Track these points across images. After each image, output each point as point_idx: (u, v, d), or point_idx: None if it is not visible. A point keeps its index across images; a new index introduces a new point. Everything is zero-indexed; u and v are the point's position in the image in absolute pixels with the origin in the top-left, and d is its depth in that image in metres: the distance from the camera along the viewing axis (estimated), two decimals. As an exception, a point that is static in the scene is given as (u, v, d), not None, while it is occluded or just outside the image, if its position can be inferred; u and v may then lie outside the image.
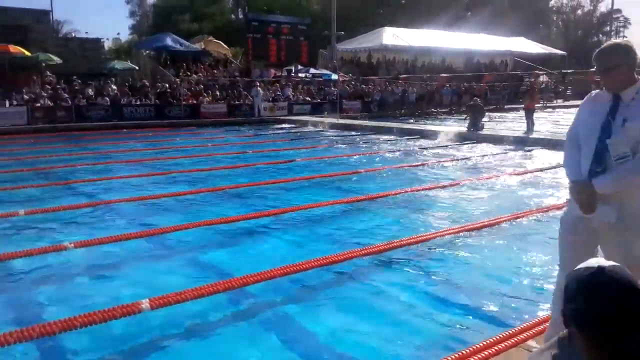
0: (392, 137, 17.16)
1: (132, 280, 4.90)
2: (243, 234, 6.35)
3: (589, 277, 1.25)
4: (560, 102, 34.67)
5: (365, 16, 44.60)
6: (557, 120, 22.73)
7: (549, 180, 9.50)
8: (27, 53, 22.88)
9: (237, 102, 24.58)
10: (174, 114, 22.41)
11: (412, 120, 23.78)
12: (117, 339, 3.75)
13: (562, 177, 9.75)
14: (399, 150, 13.95)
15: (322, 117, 24.39)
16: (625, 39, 2.57)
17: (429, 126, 20.02)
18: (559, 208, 7.12)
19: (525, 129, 16.43)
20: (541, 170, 10.55)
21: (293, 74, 30.22)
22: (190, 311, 4.12)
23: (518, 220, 6.60)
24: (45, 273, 5.00)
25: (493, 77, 34.19)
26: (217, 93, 25.03)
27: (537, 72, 33.68)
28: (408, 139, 16.68)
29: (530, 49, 40.72)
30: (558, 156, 12.16)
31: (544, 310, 3.96)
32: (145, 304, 3.83)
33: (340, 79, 27.41)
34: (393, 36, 34.52)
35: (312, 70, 31.51)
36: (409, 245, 5.49)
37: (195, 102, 23.40)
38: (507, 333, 3.47)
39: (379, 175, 10.17)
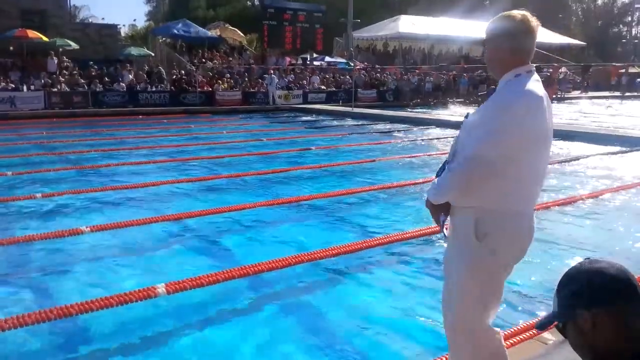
0: (407, 127, 17.04)
1: (148, 265, 4.93)
2: (259, 221, 6.34)
3: (592, 262, 1.35)
4: (577, 93, 34.18)
5: (381, 4, 44.18)
6: (575, 111, 22.40)
7: (567, 171, 9.37)
8: (44, 38, 22.98)
9: (251, 90, 24.56)
10: (189, 101, 22.45)
11: (426, 110, 23.59)
12: (134, 322, 3.77)
13: (580, 168, 9.63)
14: (414, 140, 13.86)
15: (336, 105, 24.31)
16: (519, 10, 2.19)
17: (444, 116, 19.85)
18: (576, 200, 7.03)
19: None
20: (559, 162, 10.40)
21: (308, 62, 30.09)
22: (206, 297, 4.14)
23: (540, 211, 6.50)
24: (62, 256, 5.04)
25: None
26: (232, 80, 25.02)
27: (555, 63, 33.16)
28: (423, 128, 16.55)
29: (549, 38, 40.09)
30: (574, 147, 11.99)
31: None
32: (161, 288, 3.85)
33: (356, 67, 27.25)
34: (410, 24, 34.20)
35: (328, 59, 31.36)
36: (427, 235, 5.44)
37: (210, 89, 23.42)
38: (522, 326, 3.44)
39: (394, 165, 10.11)
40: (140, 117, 19.47)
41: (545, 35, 40.42)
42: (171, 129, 16.06)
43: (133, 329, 3.70)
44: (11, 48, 23.59)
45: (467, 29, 35.64)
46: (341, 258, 4.84)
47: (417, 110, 24.18)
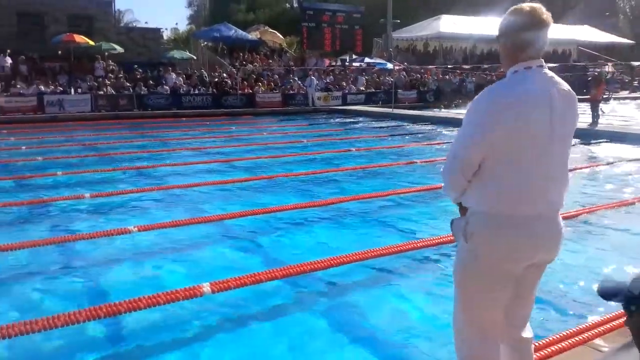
0: (449, 128, 16.81)
1: (193, 264, 5.01)
2: (299, 222, 6.37)
3: None
4: (625, 93, 33.00)
5: (422, 4, 43.75)
6: (625, 112, 21.65)
7: (618, 174, 9.06)
8: (91, 43, 23.73)
9: (291, 92, 24.72)
10: (230, 103, 22.76)
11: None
12: (180, 320, 3.84)
13: (632, 170, 9.30)
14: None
15: (376, 107, 24.20)
16: (530, 3, 2.04)
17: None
18: (630, 203, 6.79)
19: (590, 121, 15.72)
20: (609, 164, 10.07)
21: (347, 63, 30.08)
22: (248, 296, 4.18)
23: (588, 215, 6.30)
24: (110, 255, 5.18)
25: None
26: (272, 83, 25.25)
27: (602, 62, 32.10)
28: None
29: (596, 37, 38.91)
30: (625, 149, 11.59)
31: (613, 308, 3.77)
32: (206, 287, 3.90)
33: (396, 68, 27.07)
34: (451, 24, 33.77)
35: (367, 60, 31.27)
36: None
37: (250, 91, 23.69)
38: (572, 330, 3.34)
39: (435, 167, 9.99)
40: (184, 119, 19.84)
41: (591, 34, 39.26)
42: (213, 131, 16.31)
43: (179, 326, 3.77)
44: (59, 52, 24.45)
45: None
46: (380, 260, 4.81)
47: (458, 110, 23.83)
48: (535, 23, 2.05)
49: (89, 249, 5.30)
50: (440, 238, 5.23)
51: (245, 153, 11.71)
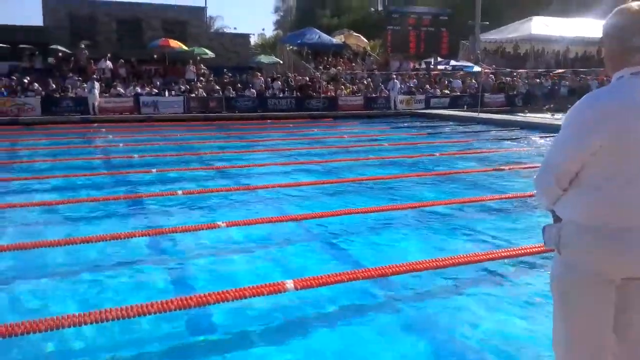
0: (539, 134, 16.13)
1: (275, 261, 5.17)
2: (379, 225, 6.38)
3: None
4: None
5: (511, 5, 42.24)
6: None
7: None
8: (184, 47, 24.96)
9: (373, 95, 24.71)
10: (313, 106, 23.12)
11: (560, 116, 22.13)
12: (263, 314, 3.98)
13: None
14: (545, 148, 13.08)
15: (461, 110, 23.67)
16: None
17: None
18: None
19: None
20: None
21: (432, 66, 29.64)
22: (329, 295, 4.26)
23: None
24: (200, 248, 5.45)
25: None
26: (355, 87, 25.38)
27: None
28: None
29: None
30: None
31: None
32: (290, 284, 4.01)
33: (485, 70, 26.35)
34: (543, 25, 32.38)
35: (453, 62, 30.66)
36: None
37: (333, 94, 23.94)
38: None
39: (523, 174, 9.63)
40: (269, 121, 20.39)
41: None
42: (297, 133, 16.64)
43: (261, 320, 3.92)
44: (155, 56, 25.92)
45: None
46: (462, 268, 4.72)
47: (551, 116, 22.79)
48: None
49: (181, 241, 5.60)
50: (523, 249, 5.06)
51: (327, 155, 11.84)
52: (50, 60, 23.36)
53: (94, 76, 20.56)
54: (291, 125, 19.19)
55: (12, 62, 22.37)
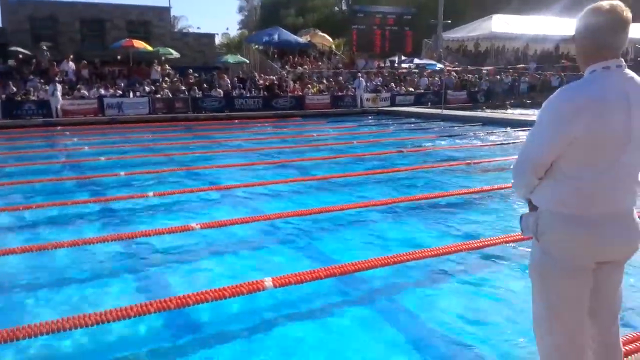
0: (501, 129, 16.55)
1: (251, 260, 5.23)
2: (351, 222, 6.49)
3: None
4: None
5: (472, 4, 43.08)
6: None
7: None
8: (148, 48, 24.61)
9: (340, 94, 24.88)
10: (280, 105, 23.13)
11: (520, 111, 22.76)
12: (241, 313, 4.05)
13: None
14: (508, 142, 13.45)
15: (425, 107, 24.06)
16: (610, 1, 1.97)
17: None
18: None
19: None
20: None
21: (396, 65, 30.01)
22: (306, 292, 4.35)
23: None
24: (175, 251, 5.45)
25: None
26: (321, 85, 25.50)
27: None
28: (518, 130, 16.00)
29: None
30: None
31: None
32: (268, 282, 4.08)
33: (446, 68, 26.83)
34: (503, 23, 33.15)
35: (416, 60, 31.11)
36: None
37: (300, 93, 24.01)
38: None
39: (488, 168, 9.91)
40: (236, 121, 20.31)
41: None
42: (265, 132, 16.65)
43: (241, 318, 3.98)
44: (119, 57, 25.47)
45: (565, 28, 33.90)
46: (431, 260, 4.87)
47: (511, 111, 23.38)
48: (616, 22, 2.02)
49: (154, 245, 5.59)
50: (490, 240, 5.25)
51: (296, 154, 11.91)
52: (11, 62, 22.71)
53: (56, 78, 20.10)
54: (259, 125, 19.17)
55: (-30, 65, 21.69)
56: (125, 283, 4.71)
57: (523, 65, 30.42)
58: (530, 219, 2.23)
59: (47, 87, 19.54)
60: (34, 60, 22.64)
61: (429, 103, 25.35)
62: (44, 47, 23.26)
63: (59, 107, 19.14)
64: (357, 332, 3.82)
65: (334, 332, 3.81)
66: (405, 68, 29.69)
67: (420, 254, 4.83)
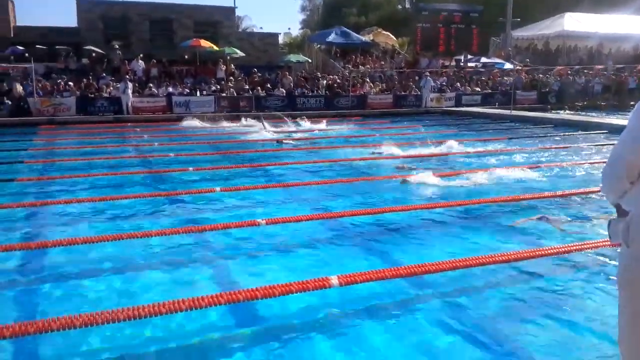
0: (573, 131, 15.84)
1: (315, 258, 5.21)
2: (418, 224, 6.37)
3: None
4: None
5: (543, 1, 41.52)
6: None
7: None
8: (215, 47, 25.22)
9: (403, 93, 24.60)
10: (342, 105, 23.12)
11: (597, 113, 21.72)
12: (309, 309, 4.04)
13: None
14: (581, 145, 12.84)
15: (492, 108, 23.40)
16: None
17: (617, 120, 18.08)
18: None
19: None
20: None
21: (462, 64, 29.35)
22: (372, 291, 4.29)
23: None
24: (241, 246, 5.52)
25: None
26: (384, 84, 25.31)
27: None
28: (592, 133, 15.26)
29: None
30: None
31: None
32: (334, 279, 4.05)
33: (516, 67, 26.00)
34: (575, 22, 31.76)
35: (483, 59, 30.30)
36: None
37: (362, 93, 23.91)
38: None
39: (559, 171, 9.49)
40: (298, 120, 20.43)
41: None
42: (327, 131, 16.66)
43: (308, 314, 3.98)
44: (186, 56, 26.25)
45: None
46: (503, 265, 4.70)
47: (584, 113, 22.35)
48: None
49: (221, 239, 5.68)
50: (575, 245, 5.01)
51: (355, 154, 11.79)
52: (85, 60, 23.85)
53: (127, 76, 20.93)
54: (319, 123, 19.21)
55: (48, 63, 22.90)
56: (195, 274, 4.81)
57: (601, 66, 28.98)
58: (620, 225, 2.11)
59: (119, 85, 20.39)
60: (106, 59, 23.68)
61: (497, 103, 24.64)
62: (116, 46, 24.29)
63: (129, 104, 19.95)
64: (424, 334, 3.73)
65: (398, 333, 3.74)
66: (472, 67, 29.00)
67: (491, 259, 4.67)
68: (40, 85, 19.74)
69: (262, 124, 15.59)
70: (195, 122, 17.79)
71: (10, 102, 18.66)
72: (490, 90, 26.01)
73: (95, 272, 4.84)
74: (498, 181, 8.53)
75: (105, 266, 4.97)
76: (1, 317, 3.90)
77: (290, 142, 13.50)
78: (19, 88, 19.32)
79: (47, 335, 3.42)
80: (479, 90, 25.97)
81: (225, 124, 17.28)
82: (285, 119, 17.76)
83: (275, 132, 15.13)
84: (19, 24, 27.20)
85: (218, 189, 7.66)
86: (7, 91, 19.23)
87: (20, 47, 22.96)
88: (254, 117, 18.41)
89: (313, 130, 16.55)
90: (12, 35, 25.25)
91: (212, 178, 9.00)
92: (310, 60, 29.12)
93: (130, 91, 19.97)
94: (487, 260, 4.64)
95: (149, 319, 3.61)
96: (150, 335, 3.68)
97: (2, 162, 10.29)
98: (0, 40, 23.80)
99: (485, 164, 10.26)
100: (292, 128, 16.46)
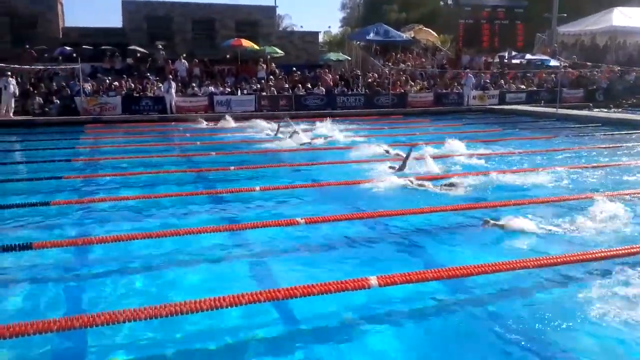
0: (625, 131, 15.26)
1: (354, 258, 5.19)
2: (460, 224, 6.26)
3: None
4: None
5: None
6: None
7: None
8: (255, 47, 25.42)
9: (444, 91, 24.24)
10: (382, 103, 22.96)
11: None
12: (348, 308, 4.02)
13: None
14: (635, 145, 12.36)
15: (537, 106, 22.80)
16: None
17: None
18: None
19: None
20: None
21: (506, 60, 28.70)
22: (411, 292, 4.24)
23: None
24: (280, 243, 5.55)
25: None
26: (424, 82, 25.01)
27: None
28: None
29: None
30: None
31: None
32: (373, 280, 4.01)
33: (562, 64, 25.24)
34: (625, 17, 30.59)
35: (528, 56, 29.53)
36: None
37: (402, 91, 23.69)
38: None
39: (610, 172, 9.16)
40: (337, 119, 20.37)
41: None
42: (365, 130, 16.56)
43: (347, 312, 3.96)
44: (227, 56, 26.55)
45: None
46: (560, 268, 4.56)
47: (631, 111, 21.53)
48: None
49: (261, 237, 5.71)
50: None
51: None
52: (129, 60, 24.43)
53: (170, 76, 21.32)
54: (360, 123, 19.10)
55: (95, 63, 23.57)
56: (235, 272, 4.86)
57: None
58: None
59: (162, 85, 20.80)
60: (150, 59, 24.20)
61: (542, 101, 23.99)
62: (159, 46, 24.78)
63: (173, 103, 20.33)
64: (465, 337, 3.66)
65: (436, 336, 3.69)
66: (516, 64, 28.31)
67: (537, 262, 4.54)
68: (87, 85, 20.33)
69: (292, 130, 14.75)
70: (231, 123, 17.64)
71: (58, 102, 19.31)
72: (535, 88, 25.35)
73: (138, 268, 4.96)
74: (547, 181, 8.32)
75: (149, 263, 5.08)
76: (50, 311, 4.04)
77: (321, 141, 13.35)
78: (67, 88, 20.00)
79: (92, 330, 3.52)
80: (524, 87, 25.35)
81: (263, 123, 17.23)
82: (288, 119, 17.06)
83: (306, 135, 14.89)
84: (67, 25, 28.06)
85: (258, 188, 7.71)
86: (56, 91, 19.91)
87: (68, 48, 23.68)
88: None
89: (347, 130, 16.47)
90: (60, 36, 26.07)
91: (253, 177, 9.07)
92: (350, 58, 29.02)
93: (173, 90, 20.36)
94: (533, 263, 4.52)
95: (191, 316, 3.66)
96: (192, 330, 3.75)
97: (50, 160, 10.64)
98: (50, 41, 24.61)
99: (535, 164, 10.01)
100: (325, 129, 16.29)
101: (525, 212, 6.58)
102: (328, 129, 15.43)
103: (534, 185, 8.09)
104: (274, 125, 15.59)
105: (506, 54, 29.14)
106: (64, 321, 3.47)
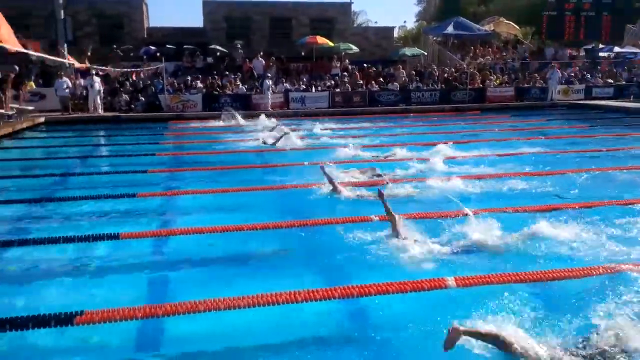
0: None
1: (430, 257, 5.06)
2: (539, 225, 5.97)
3: None
4: None
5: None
6: None
7: None
8: (330, 43, 25.54)
9: (526, 85, 23.28)
10: (459, 98, 22.38)
11: None
12: (424, 307, 3.95)
13: None
14: None
15: (626, 101, 21.44)
16: None
17: None
18: None
19: None
20: None
21: (595, 53, 27.17)
22: (490, 295, 4.09)
23: None
24: (355, 240, 5.51)
25: None
26: (505, 76, 24.13)
27: None
28: None
29: None
30: None
31: None
32: (451, 281, 3.93)
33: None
34: None
35: (616, 49, 27.80)
36: None
37: (481, 85, 22.97)
38: None
39: None
40: (411, 115, 20.12)
41: None
42: (441, 126, 16.22)
43: (422, 311, 3.89)
44: (302, 53, 26.85)
45: None
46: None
47: None
48: None
49: (336, 233, 5.70)
50: None
51: (474, 150, 11.28)
52: (210, 59, 25.25)
53: (269, 74, 21.70)
54: (435, 118, 18.74)
55: (177, 62, 24.55)
56: (308, 267, 4.91)
57: None
58: None
59: (239, 83, 21.32)
60: (227, 57, 24.89)
61: (632, 96, 22.53)
62: (238, 45, 25.44)
63: (269, 102, 20.65)
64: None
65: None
66: (604, 57, 26.72)
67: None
68: (170, 83, 21.23)
69: None
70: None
71: (144, 99, 20.30)
72: (624, 82, 23.83)
73: (216, 259, 5.12)
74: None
75: (227, 254, 5.23)
76: (134, 299, 4.25)
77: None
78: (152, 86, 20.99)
79: (173, 318, 3.66)
80: (612, 82, 23.90)
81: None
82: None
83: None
84: (151, 25, 29.41)
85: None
86: (141, 88, 20.95)
87: (153, 47, 24.82)
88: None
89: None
90: (145, 36, 27.37)
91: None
92: (425, 53, 28.50)
93: (270, 91, 20.70)
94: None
95: (266, 308, 3.72)
96: (265, 322, 3.81)
97: (136, 154, 11.19)
98: (136, 41, 25.93)
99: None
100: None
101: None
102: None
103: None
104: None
105: (592, 47, 27.59)
106: (147, 309, 3.64)
